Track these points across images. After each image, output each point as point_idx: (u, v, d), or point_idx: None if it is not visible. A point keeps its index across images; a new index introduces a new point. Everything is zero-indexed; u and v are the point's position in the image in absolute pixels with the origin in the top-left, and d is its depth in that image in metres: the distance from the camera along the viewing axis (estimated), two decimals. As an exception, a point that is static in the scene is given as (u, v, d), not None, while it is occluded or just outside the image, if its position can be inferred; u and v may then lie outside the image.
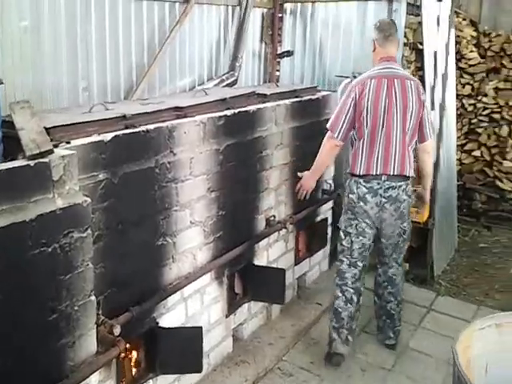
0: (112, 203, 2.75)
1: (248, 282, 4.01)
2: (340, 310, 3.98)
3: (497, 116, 7.03)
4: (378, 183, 3.74)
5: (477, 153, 7.04)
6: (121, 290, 2.89)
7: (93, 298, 2.54)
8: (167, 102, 3.45)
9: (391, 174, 3.72)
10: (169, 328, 3.24)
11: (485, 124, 7.02)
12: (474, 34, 7.09)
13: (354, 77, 5.25)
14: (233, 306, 3.91)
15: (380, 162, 3.72)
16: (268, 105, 4.02)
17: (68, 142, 2.54)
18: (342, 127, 3.78)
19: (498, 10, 7.51)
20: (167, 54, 4.40)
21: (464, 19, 7.05)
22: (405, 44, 5.25)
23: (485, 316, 4.81)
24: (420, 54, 5.38)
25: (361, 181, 3.78)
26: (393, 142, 3.70)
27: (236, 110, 3.65)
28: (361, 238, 3.89)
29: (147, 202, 3.01)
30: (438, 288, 5.32)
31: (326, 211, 5.09)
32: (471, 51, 6.92)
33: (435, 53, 5.19)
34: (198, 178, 3.36)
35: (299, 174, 4.12)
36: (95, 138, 2.68)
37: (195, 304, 3.50)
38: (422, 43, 5.23)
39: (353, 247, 3.91)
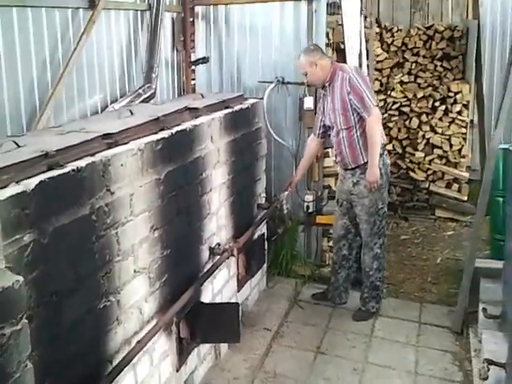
0: (42, 271, 1.96)
1: (196, 323, 3.26)
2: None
3: (406, 109, 6.74)
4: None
5: (389, 147, 6.69)
6: (59, 378, 2.11)
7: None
8: (90, 128, 2.67)
9: None
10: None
11: (395, 118, 6.72)
12: (378, 30, 6.75)
13: (278, 81, 4.69)
14: (183, 355, 3.17)
15: None
16: (203, 120, 3.32)
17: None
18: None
19: (394, 7, 7.28)
20: (74, 68, 3.57)
21: (366, 16, 6.66)
22: (327, 44, 4.71)
23: (429, 313, 4.56)
24: (341, 53, 4.87)
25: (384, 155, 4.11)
26: None
27: (173, 130, 2.93)
28: None
29: (84, 259, 2.23)
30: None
31: (262, 226, 4.45)
32: (378, 47, 6.57)
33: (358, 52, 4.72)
34: (139, 217, 2.61)
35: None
36: (14, 188, 1.88)
37: (144, 367, 2.73)
38: (343, 43, 4.72)
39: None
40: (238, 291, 4.07)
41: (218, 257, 3.47)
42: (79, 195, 2.17)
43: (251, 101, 4.21)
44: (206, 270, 3.37)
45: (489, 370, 3.16)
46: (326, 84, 4.08)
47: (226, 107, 3.78)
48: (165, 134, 2.84)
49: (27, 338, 1.69)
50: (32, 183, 1.94)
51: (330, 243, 5.14)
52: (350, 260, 4.46)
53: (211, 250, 3.47)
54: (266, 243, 4.62)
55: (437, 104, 6.65)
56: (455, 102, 6.62)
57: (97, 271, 2.31)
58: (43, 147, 2.22)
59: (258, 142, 4.29)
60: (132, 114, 3.07)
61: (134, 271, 2.59)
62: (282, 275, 4.97)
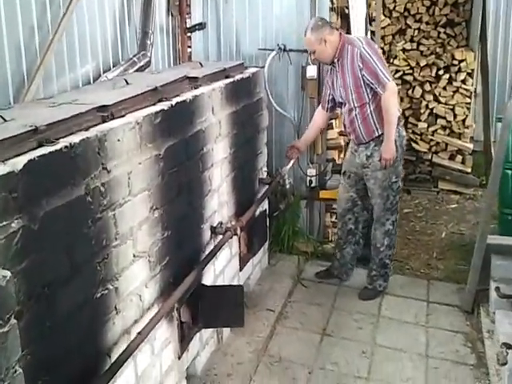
0: (33, 261, 1.76)
1: (199, 307, 3.07)
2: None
3: (409, 78, 6.51)
4: None
5: (391, 117, 6.47)
6: (54, 376, 1.92)
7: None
8: (83, 100, 2.44)
9: None
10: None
11: (398, 87, 6.47)
12: (378, -6, 6.47)
13: (280, 49, 4.45)
14: (184, 342, 2.98)
15: None
16: (204, 90, 3.08)
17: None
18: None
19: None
20: (64, 35, 3.31)
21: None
22: (331, 9, 4.46)
23: (438, 291, 4.42)
24: (345, 19, 4.62)
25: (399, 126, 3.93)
26: None
27: (173, 102, 2.70)
28: None
29: (79, 244, 2.02)
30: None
31: (263, 202, 4.25)
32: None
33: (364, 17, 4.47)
34: (138, 197, 2.40)
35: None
36: (-1, 169, 1.67)
37: (145, 357, 2.53)
38: (347, 7, 4.48)
39: None
40: (241, 270, 3.89)
41: (221, 236, 3.28)
42: (73, 174, 1.96)
43: (252, 70, 3.98)
44: (208, 250, 3.18)
45: (507, 355, 3.01)
46: (335, 60, 3.85)
47: (227, 76, 3.55)
48: (164, 105, 2.62)
49: (17, 341, 1.50)
50: (20, 162, 1.72)
51: (334, 219, 4.97)
52: (356, 235, 4.30)
53: (213, 229, 3.28)
54: (267, 219, 4.43)
55: (440, 72, 6.43)
56: (459, 70, 6.40)
57: (93, 257, 2.11)
58: (32, 121, 1.99)
59: (259, 114, 4.06)
60: (127, 83, 2.83)
61: (134, 255, 2.40)
62: (284, 252, 4.79)
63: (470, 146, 6.54)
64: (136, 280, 2.44)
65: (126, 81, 2.85)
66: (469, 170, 6.54)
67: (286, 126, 4.75)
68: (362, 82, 3.76)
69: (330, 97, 4.07)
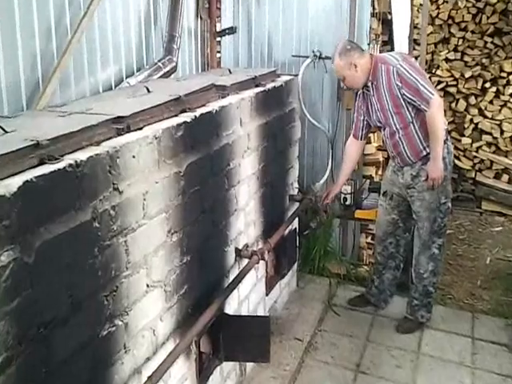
0: (27, 299, 1.51)
1: (220, 337, 2.81)
2: None
3: (452, 90, 6.18)
4: None
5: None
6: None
7: None
8: (97, 109, 2.20)
9: None
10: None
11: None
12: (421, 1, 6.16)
13: (315, 56, 4.18)
14: (203, 375, 2.71)
15: None
16: (232, 100, 2.83)
17: None
18: None
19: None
20: (83, 36, 3.09)
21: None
22: (372, 14, 4.17)
23: (483, 326, 4.08)
24: (387, 25, 4.33)
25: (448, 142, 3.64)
26: None
27: (197, 113, 2.45)
28: None
29: (83, 277, 1.77)
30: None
31: (294, 220, 3.97)
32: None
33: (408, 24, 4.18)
34: (154, 220, 2.15)
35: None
36: (-13, 193, 1.43)
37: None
38: (390, 12, 4.19)
39: None
40: (267, 295, 3.62)
41: (246, 260, 3.02)
42: (78, 197, 1.71)
43: (285, 78, 3.71)
44: (232, 276, 2.92)
45: None
46: (369, 83, 3.56)
47: (257, 85, 3.28)
48: (187, 116, 2.36)
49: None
50: (14, 184, 1.48)
51: (369, 239, 4.68)
52: (397, 259, 3.99)
53: (238, 251, 3.01)
54: (297, 239, 4.15)
55: (487, 85, 6.11)
56: (508, 83, 6.07)
57: (99, 291, 1.86)
58: (35, 134, 1.75)
59: (291, 125, 3.79)
60: (149, 91, 2.59)
61: (147, 286, 2.14)
62: (313, 273, 4.50)
63: (518, 164, 6.21)
64: (149, 313, 2.19)
65: (148, 88, 2.61)
66: (516, 191, 6.19)
67: (320, 138, 4.48)
68: (402, 101, 3.46)
69: (364, 123, 3.77)
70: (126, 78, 3.45)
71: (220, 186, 2.74)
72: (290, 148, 3.83)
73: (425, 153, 3.55)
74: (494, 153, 6.19)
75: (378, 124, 3.68)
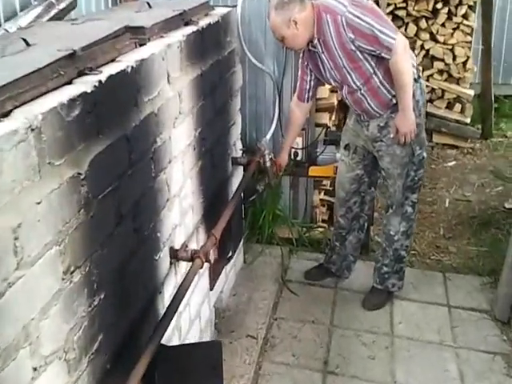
0: None
1: (155, 376, 2.05)
2: None
3: (401, 12, 5.42)
4: None
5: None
6: None
7: None
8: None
9: None
10: None
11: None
12: None
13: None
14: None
15: None
16: (154, 48, 1.91)
17: None
18: None
19: None
20: None
21: None
22: None
23: (458, 289, 3.43)
24: None
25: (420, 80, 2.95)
26: None
27: (102, 76, 1.55)
28: None
29: None
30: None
31: (239, 195, 3.16)
32: None
33: None
34: (37, 265, 1.31)
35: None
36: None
37: None
38: None
39: None
40: (212, 289, 2.87)
41: (184, 264, 2.24)
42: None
43: (220, 11, 2.79)
44: (168, 288, 2.15)
45: None
46: (314, 40, 2.79)
47: (187, 23, 2.38)
48: (86, 83, 1.48)
49: None
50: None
51: (322, 195, 3.99)
52: (361, 218, 3.37)
53: (174, 252, 2.21)
54: (243, 207, 3.38)
55: (438, 6, 5.37)
56: (460, 2, 5.36)
57: None
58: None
59: (231, 72, 2.93)
60: (28, 45, 1.66)
61: (35, 369, 1.33)
62: (262, 242, 3.79)
63: (471, 92, 5.65)
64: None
65: (26, 41, 1.66)
66: (468, 121, 5.66)
67: (264, 82, 3.64)
68: (359, 54, 2.73)
69: (312, 83, 3.06)
70: (5, 21, 2.49)
71: (144, 175, 1.89)
72: (231, 101, 2.98)
73: (395, 101, 2.87)
74: (445, 81, 5.57)
75: (334, 83, 2.99)
